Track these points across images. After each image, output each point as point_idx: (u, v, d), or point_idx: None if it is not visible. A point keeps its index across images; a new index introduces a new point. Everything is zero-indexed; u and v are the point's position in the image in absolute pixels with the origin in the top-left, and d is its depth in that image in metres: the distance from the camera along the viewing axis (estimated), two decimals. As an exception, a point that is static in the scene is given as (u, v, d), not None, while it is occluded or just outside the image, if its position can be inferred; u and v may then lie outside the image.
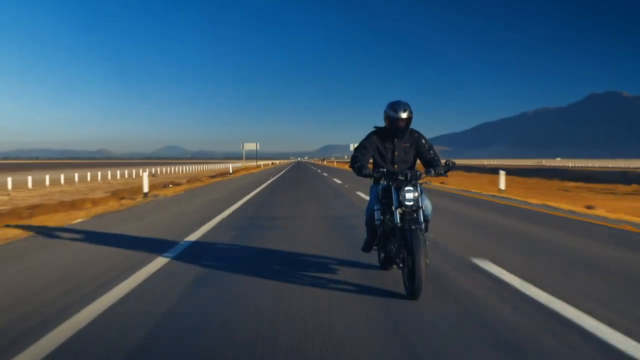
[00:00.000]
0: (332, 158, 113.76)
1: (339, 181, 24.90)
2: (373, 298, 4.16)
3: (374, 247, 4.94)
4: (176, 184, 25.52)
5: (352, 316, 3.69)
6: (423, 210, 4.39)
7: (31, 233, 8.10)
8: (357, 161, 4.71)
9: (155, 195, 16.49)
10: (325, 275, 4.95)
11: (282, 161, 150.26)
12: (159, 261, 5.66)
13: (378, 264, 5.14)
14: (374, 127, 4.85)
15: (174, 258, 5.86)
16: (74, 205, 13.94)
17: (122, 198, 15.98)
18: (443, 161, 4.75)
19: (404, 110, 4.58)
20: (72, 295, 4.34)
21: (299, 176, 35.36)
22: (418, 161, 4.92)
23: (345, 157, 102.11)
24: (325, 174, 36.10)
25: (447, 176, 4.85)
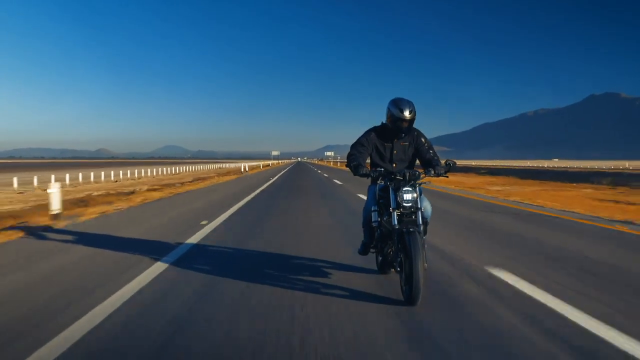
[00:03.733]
0: (330, 159, 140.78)
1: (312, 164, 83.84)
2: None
3: (372, 250, 4.74)
4: (255, 167, 59.44)
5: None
6: (422, 212, 4.20)
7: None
8: (353, 160, 4.47)
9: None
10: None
11: (286, 160, 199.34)
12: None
13: (376, 268, 4.93)
14: (382, 122, 4.57)
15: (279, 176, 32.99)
16: (228, 172, 44.05)
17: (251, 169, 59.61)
18: (443, 161, 4.55)
19: (410, 111, 4.33)
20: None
21: (299, 163, 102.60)
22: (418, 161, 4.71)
23: (339, 157, 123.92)
24: (306, 161, 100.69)
25: (447, 176, 4.65)
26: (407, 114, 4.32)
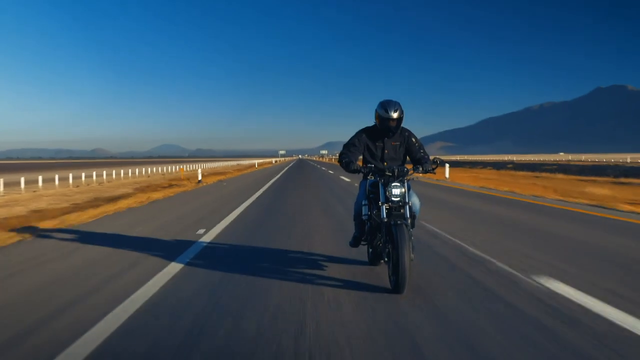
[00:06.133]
0: (325, 156, 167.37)
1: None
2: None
3: (363, 243, 4.97)
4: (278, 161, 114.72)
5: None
6: (410, 207, 4.44)
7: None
8: (345, 157, 4.74)
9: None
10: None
11: (287, 158, 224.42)
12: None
13: (367, 260, 5.17)
14: (374, 123, 4.85)
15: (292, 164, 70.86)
16: (263, 163, 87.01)
17: (275, 162, 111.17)
18: (431, 158, 4.81)
19: (395, 110, 4.58)
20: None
21: (300, 160, 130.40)
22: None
23: (335, 153, 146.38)
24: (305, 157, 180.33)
25: (434, 173, 4.89)
26: (393, 113, 4.58)
